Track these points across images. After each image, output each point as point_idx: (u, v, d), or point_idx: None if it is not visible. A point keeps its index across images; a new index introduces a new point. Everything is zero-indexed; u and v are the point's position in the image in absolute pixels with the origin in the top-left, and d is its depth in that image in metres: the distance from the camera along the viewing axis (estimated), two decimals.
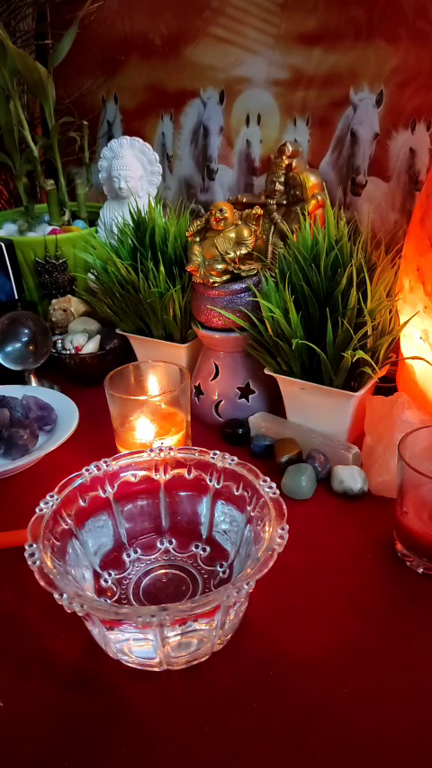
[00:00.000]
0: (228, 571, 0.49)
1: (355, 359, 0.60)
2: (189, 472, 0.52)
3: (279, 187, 0.76)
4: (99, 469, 0.50)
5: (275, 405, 0.71)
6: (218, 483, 0.50)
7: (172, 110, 0.95)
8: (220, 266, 0.66)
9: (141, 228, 0.76)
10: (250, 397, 0.71)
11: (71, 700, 0.42)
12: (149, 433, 0.64)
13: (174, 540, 0.53)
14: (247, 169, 0.91)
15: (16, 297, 0.86)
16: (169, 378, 0.67)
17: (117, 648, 0.43)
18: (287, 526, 0.42)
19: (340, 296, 0.61)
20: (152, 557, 0.52)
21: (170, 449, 0.52)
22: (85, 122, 0.97)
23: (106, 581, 0.49)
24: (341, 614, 0.48)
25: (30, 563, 0.40)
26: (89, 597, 0.41)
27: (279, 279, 0.65)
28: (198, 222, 0.68)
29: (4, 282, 0.85)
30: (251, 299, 0.67)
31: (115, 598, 0.49)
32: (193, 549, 0.52)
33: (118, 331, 0.80)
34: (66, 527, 0.46)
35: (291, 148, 0.75)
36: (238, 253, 0.66)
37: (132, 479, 0.52)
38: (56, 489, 0.48)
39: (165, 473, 0.52)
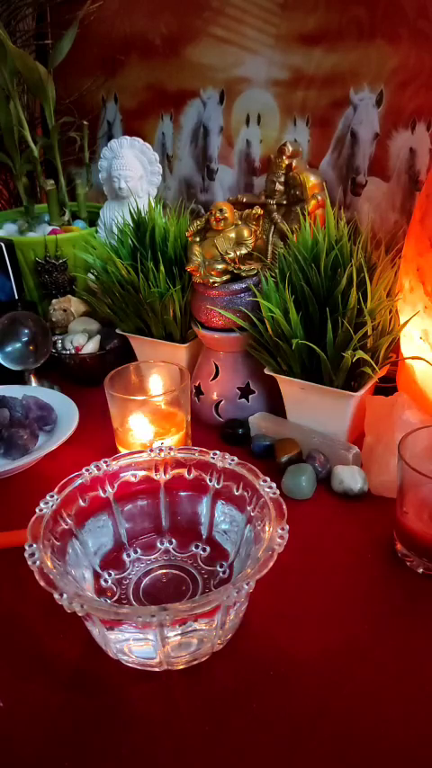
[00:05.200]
0: (228, 571, 0.49)
1: (355, 359, 0.60)
2: (189, 472, 0.52)
3: (279, 187, 0.76)
4: (99, 469, 0.50)
5: (275, 405, 0.71)
6: (218, 483, 0.50)
7: (172, 110, 0.95)
8: (220, 266, 0.66)
9: (141, 228, 0.76)
10: (250, 397, 0.71)
11: (71, 700, 0.42)
12: (149, 433, 0.64)
13: (174, 540, 0.53)
14: (247, 169, 0.91)
15: (16, 297, 0.86)
16: (169, 378, 0.67)
17: (117, 648, 0.43)
18: (287, 526, 0.42)
19: (340, 296, 0.61)
20: (152, 557, 0.52)
21: (170, 449, 0.52)
22: (85, 122, 0.97)
23: (106, 581, 0.49)
24: (341, 614, 0.48)
25: (30, 563, 0.40)
26: (89, 597, 0.41)
27: (279, 279, 0.65)
28: (198, 222, 0.68)
29: (4, 282, 0.85)
30: (251, 299, 0.67)
31: (115, 598, 0.49)
32: (193, 549, 0.52)
33: (118, 331, 0.80)
34: (66, 527, 0.46)
35: (291, 148, 0.75)
36: (238, 253, 0.66)
37: (132, 479, 0.52)
38: (56, 489, 0.48)
39: (165, 473, 0.52)
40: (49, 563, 0.41)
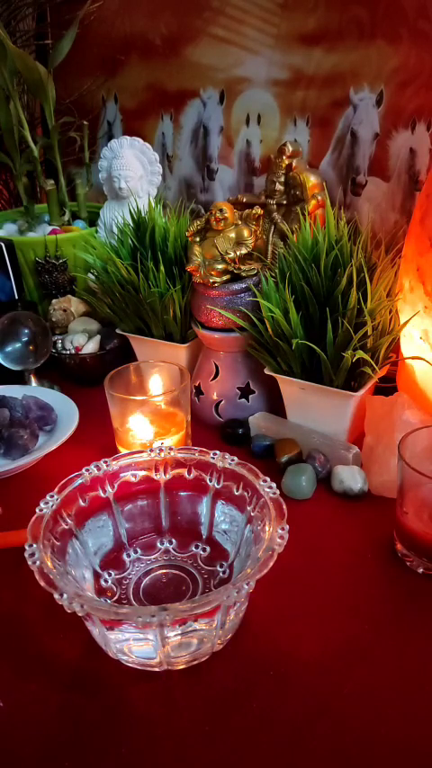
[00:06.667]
0: (228, 571, 0.49)
1: (355, 359, 0.60)
2: (189, 472, 0.52)
3: (279, 187, 0.76)
4: (99, 469, 0.50)
5: (275, 405, 0.71)
6: (218, 483, 0.50)
7: (172, 110, 0.95)
8: (220, 266, 0.66)
9: (141, 228, 0.76)
10: (250, 397, 0.71)
11: (71, 700, 0.42)
12: (149, 433, 0.64)
13: (174, 540, 0.53)
14: (247, 169, 0.91)
15: (16, 297, 0.86)
16: (169, 378, 0.67)
17: (117, 648, 0.43)
18: (287, 526, 0.42)
19: (340, 296, 0.61)
20: (152, 557, 0.52)
21: (170, 449, 0.52)
22: (85, 122, 0.97)
23: (106, 581, 0.49)
24: (341, 614, 0.48)
25: (30, 563, 0.40)
26: (89, 597, 0.41)
27: (279, 279, 0.65)
28: (198, 222, 0.68)
29: (4, 282, 0.85)
30: (251, 299, 0.67)
31: (115, 598, 0.49)
32: (193, 549, 0.52)
33: (118, 331, 0.80)
34: (66, 527, 0.46)
35: (291, 148, 0.75)
36: (238, 253, 0.66)
37: (132, 479, 0.52)
38: (56, 489, 0.48)
39: (165, 473, 0.52)
40: (49, 563, 0.41)
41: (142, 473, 0.52)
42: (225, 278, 0.67)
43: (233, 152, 0.91)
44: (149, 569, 0.51)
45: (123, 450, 0.59)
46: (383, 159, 0.77)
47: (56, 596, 0.38)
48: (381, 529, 0.56)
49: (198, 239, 0.68)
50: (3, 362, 0.76)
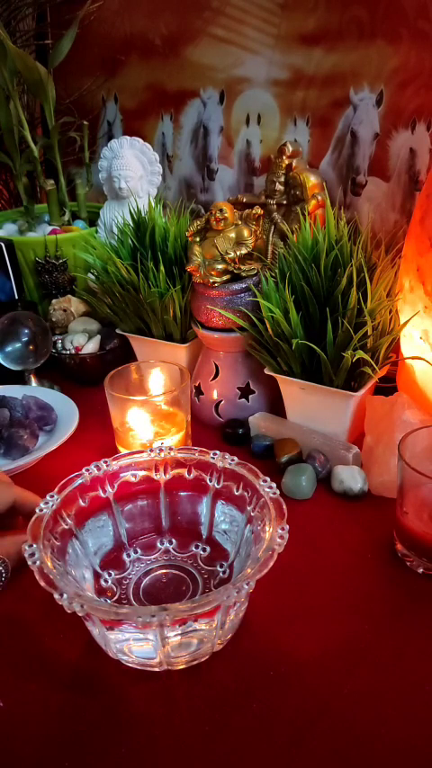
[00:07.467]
0: (228, 571, 0.49)
1: (355, 359, 0.60)
2: (189, 472, 0.52)
3: (279, 187, 0.76)
4: (99, 469, 0.50)
5: (275, 405, 0.71)
6: (218, 483, 0.50)
7: (172, 110, 0.95)
8: (220, 266, 0.66)
9: (141, 228, 0.76)
10: (250, 397, 0.71)
11: (71, 700, 0.42)
12: (149, 433, 0.64)
13: (174, 540, 0.53)
14: (247, 169, 0.91)
15: (16, 297, 0.86)
16: (169, 378, 0.67)
17: (117, 648, 0.43)
18: (287, 526, 0.42)
19: (340, 296, 0.61)
20: (152, 557, 0.52)
21: (170, 449, 0.52)
22: (85, 122, 0.97)
23: (106, 581, 0.49)
24: (341, 614, 0.48)
25: (30, 563, 0.40)
26: (89, 597, 0.41)
27: (279, 279, 0.65)
28: (198, 222, 0.68)
29: (4, 282, 0.85)
30: (251, 299, 0.67)
31: (115, 598, 0.49)
32: (193, 549, 0.52)
33: (118, 331, 0.80)
34: (66, 527, 0.46)
35: (291, 148, 0.75)
36: (238, 253, 0.66)
37: (132, 479, 0.52)
38: (56, 489, 0.48)
39: (165, 473, 0.52)
40: (49, 563, 0.41)
41: (142, 473, 0.52)
42: (225, 278, 0.67)
43: (233, 152, 0.91)
44: (149, 569, 0.51)
45: (123, 450, 0.59)
46: (383, 159, 0.77)
47: (56, 596, 0.38)
48: (381, 529, 0.56)
49: (198, 239, 0.68)
50: (3, 362, 0.76)
